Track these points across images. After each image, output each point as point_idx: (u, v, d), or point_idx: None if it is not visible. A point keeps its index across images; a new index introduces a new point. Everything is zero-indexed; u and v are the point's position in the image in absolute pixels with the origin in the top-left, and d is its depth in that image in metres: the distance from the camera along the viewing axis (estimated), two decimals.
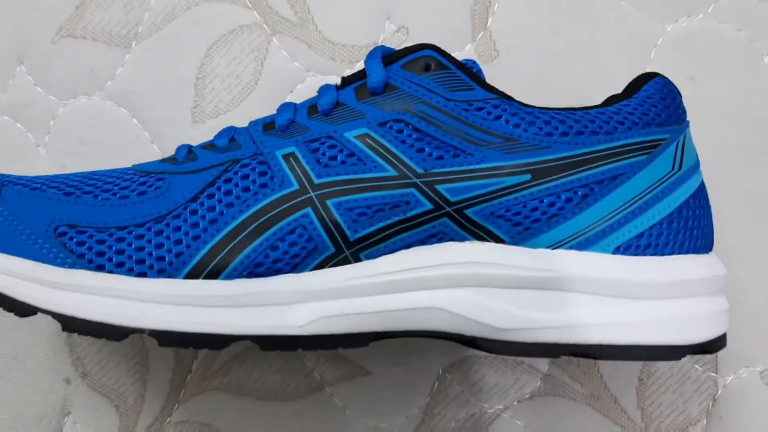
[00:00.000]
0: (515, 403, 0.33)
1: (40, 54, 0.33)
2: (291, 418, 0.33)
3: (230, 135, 0.26)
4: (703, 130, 0.32)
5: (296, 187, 0.24)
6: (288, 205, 0.24)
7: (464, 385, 0.33)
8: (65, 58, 0.33)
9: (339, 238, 0.24)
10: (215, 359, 0.33)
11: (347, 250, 0.24)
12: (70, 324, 0.23)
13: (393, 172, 0.24)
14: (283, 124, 0.25)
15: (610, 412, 0.33)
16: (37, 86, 0.33)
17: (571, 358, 0.33)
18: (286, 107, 0.26)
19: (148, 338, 0.33)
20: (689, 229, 0.25)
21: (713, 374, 0.33)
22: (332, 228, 0.24)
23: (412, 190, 0.24)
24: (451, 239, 0.25)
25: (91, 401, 0.33)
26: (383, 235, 0.24)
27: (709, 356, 0.33)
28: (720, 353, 0.33)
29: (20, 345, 0.32)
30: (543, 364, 0.33)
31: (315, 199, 0.24)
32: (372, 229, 0.24)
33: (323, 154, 0.24)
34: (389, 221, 0.24)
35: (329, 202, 0.24)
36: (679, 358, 0.25)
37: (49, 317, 0.31)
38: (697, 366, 0.33)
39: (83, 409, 0.33)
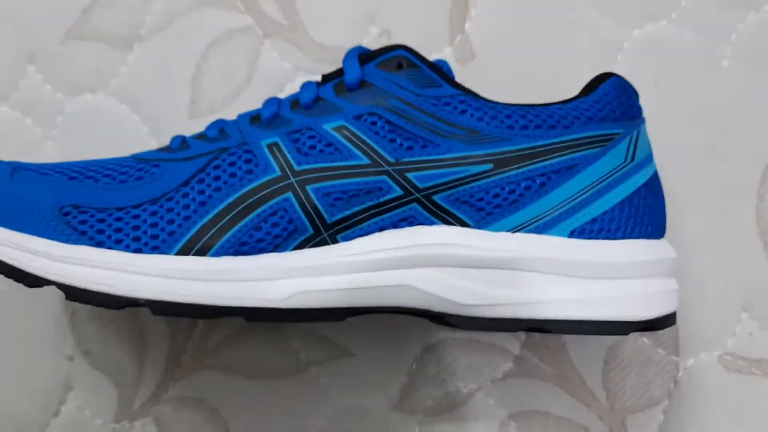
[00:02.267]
0: (488, 383, 0.35)
1: (50, 54, 0.36)
2: (279, 395, 0.35)
3: (220, 126, 0.28)
4: (666, 129, 0.35)
5: (278, 173, 0.26)
6: (271, 189, 0.26)
7: (440, 366, 0.35)
8: (73, 58, 0.36)
9: (317, 221, 0.26)
10: (209, 340, 0.35)
11: (325, 232, 0.27)
12: (74, 294, 0.25)
13: (367, 161, 0.26)
14: (268, 116, 0.28)
15: (578, 392, 0.35)
16: (46, 84, 0.36)
17: (540, 341, 0.35)
18: (271, 102, 0.28)
19: (145, 319, 0.35)
20: (640, 215, 0.28)
21: (675, 357, 0.35)
22: (311, 211, 0.26)
23: (384, 177, 0.26)
24: (421, 223, 0.27)
25: (92, 378, 0.35)
26: (358, 218, 0.27)
27: (671, 341, 0.35)
28: (681, 338, 0.35)
29: (27, 325, 0.35)
30: (515, 347, 0.35)
31: (295, 184, 0.26)
32: (348, 212, 0.26)
33: (303, 143, 0.27)
34: (363, 206, 0.27)
35: (308, 188, 0.26)
36: (627, 333, 0.27)
37: (55, 298, 0.34)
38: (659, 350, 0.35)
39: (84, 385, 0.35)
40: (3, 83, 0.36)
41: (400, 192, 0.27)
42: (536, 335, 0.35)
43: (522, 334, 0.35)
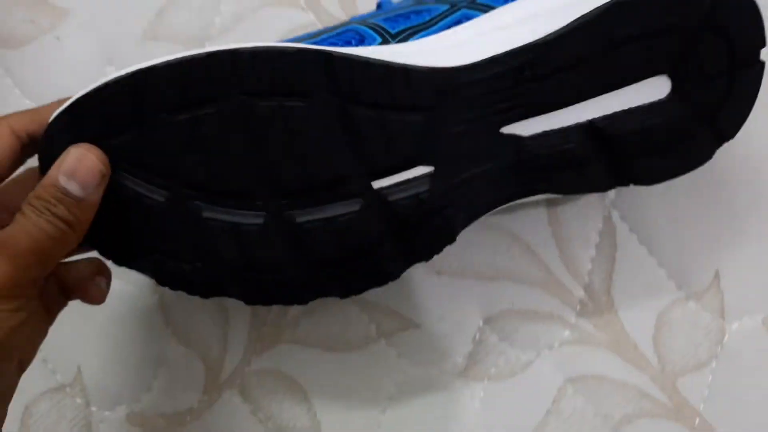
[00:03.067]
0: (546, 350, 0.38)
1: (127, 55, 0.38)
2: (352, 365, 0.38)
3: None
4: None
5: None
6: None
7: (501, 335, 0.38)
8: (149, 58, 0.38)
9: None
10: (286, 315, 0.38)
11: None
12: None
13: None
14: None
15: (631, 356, 0.38)
16: None
17: (594, 310, 0.37)
18: None
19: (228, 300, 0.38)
20: None
21: (720, 320, 0.38)
22: None
23: None
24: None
25: (181, 353, 0.38)
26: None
27: (717, 305, 0.37)
28: (726, 303, 0.37)
29: (120, 307, 0.38)
30: (570, 316, 0.38)
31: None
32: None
33: None
34: None
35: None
36: None
37: (146, 283, 0.37)
38: (706, 313, 0.37)
39: (174, 360, 0.38)
40: (84, 84, 0.38)
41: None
42: (590, 305, 0.37)
43: (577, 304, 0.38)
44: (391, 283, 0.37)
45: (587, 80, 0.29)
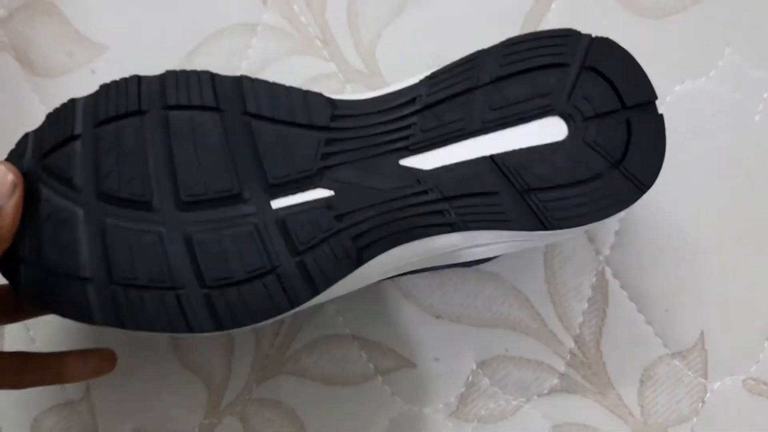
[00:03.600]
0: (535, 397, 0.40)
1: None
2: (348, 400, 0.39)
3: None
4: (700, 174, 0.39)
5: None
6: None
7: (493, 380, 0.40)
8: None
9: None
10: (288, 348, 0.40)
11: None
12: None
13: None
14: None
15: (616, 407, 0.39)
16: None
17: (584, 361, 0.39)
18: None
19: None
20: None
21: (703, 380, 0.39)
22: None
23: None
24: None
25: (185, 378, 0.40)
26: None
27: (700, 365, 0.39)
28: (709, 363, 0.39)
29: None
30: (560, 365, 0.39)
31: None
32: None
33: None
34: None
35: None
36: None
37: None
38: (689, 372, 0.39)
39: (179, 385, 0.40)
40: None
41: None
42: (580, 356, 0.39)
43: (567, 354, 0.39)
44: (392, 325, 0.39)
45: (479, 112, 0.30)
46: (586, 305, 0.40)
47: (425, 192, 0.30)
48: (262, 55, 0.41)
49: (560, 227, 0.30)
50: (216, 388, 0.40)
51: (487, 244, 0.31)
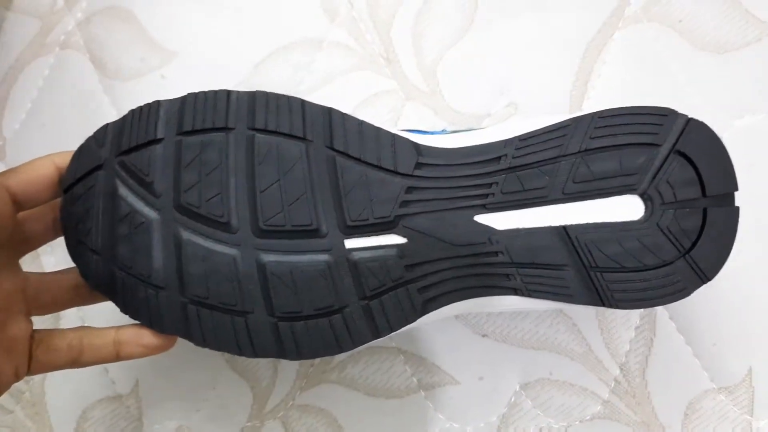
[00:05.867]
0: (577, 422, 0.40)
1: None
2: (390, 412, 0.40)
3: None
4: (758, 208, 0.39)
5: None
6: None
7: (536, 402, 0.40)
8: None
9: None
10: (334, 357, 0.40)
11: None
12: None
13: None
14: None
15: None
16: None
17: (628, 389, 0.39)
18: None
19: None
20: None
21: (748, 417, 0.39)
22: None
23: None
24: None
25: (232, 381, 0.40)
26: None
27: (746, 401, 0.39)
28: (756, 400, 0.39)
29: None
30: (604, 392, 0.39)
31: None
32: None
33: None
34: None
35: None
36: None
37: None
38: (735, 408, 0.39)
39: (226, 386, 0.40)
40: None
41: None
42: (624, 384, 0.39)
43: (612, 381, 0.39)
44: (438, 341, 0.39)
45: (562, 183, 0.30)
46: (633, 334, 0.40)
47: (495, 254, 0.30)
48: (326, 70, 0.42)
49: (618, 307, 0.30)
50: (261, 392, 0.40)
51: (547, 308, 0.32)
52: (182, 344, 0.40)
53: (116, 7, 0.42)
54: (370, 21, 0.42)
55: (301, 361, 0.40)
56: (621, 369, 0.39)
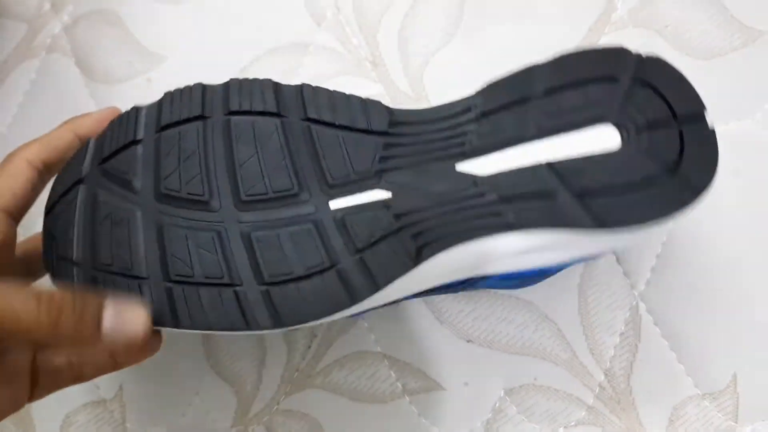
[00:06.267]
0: (561, 428, 0.39)
1: None
2: (375, 418, 0.40)
3: None
4: (741, 216, 0.39)
5: None
6: None
7: (520, 408, 0.40)
8: None
9: None
10: (319, 362, 0.40)
11: None
12: None
13: None
14: None
15: None
16: None
17: (612, 395, 0.39)
18: None
19: (267, 341, 0.40)
20: None
21: (733, 423, 0.39)
22: None
23: None
24: None
25: (217, 386, 0.40)
26: None
27: (731, 407, 0.39)
28: (740, 406, 0.39)
29: (167, 337, 0.40)
30: (589, 397, 0.39)
31: None
32: None
33: None
34: None
35: None
36: None
37: None
38: (719, 414, 0.39)
39: (210, 391, 0.40)
40: None
41: None
42: (609, 390, 0.39)
43: (596, 387, 0.39)
44: (422, 346, 0.39)
45: (534, 119, 0.30)
46: (618, 339, 0.40)
47: (482, 194, 0.30)
48: (313, 74, 0.42)
49: (619, 226, 0.29)
50: (245, 396, 0.40)
51: (545, 249, 0.31)
52: (166, 349, 0.40)
53: (103, 11, 0.42)
54: (357, 25, 0.42)
55: (286, 365, 0.40)
56: (605, 375, 0.39)
